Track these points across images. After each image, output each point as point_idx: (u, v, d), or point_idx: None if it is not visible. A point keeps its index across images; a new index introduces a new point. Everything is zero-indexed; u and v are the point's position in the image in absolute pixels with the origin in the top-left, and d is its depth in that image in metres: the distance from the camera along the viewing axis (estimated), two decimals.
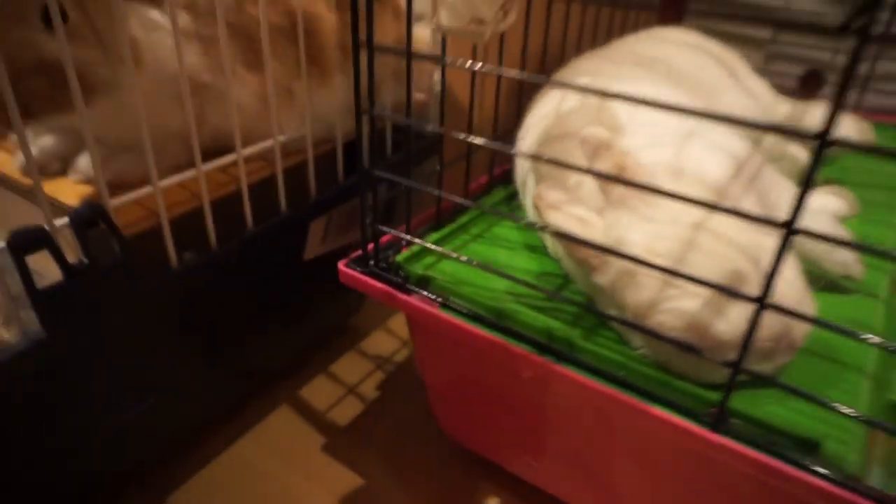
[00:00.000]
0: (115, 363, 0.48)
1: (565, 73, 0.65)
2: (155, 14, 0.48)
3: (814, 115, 0.73)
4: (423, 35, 0.73)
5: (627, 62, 0.63)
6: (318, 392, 0.77)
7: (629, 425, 0.46)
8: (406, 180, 0.49)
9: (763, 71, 1.03)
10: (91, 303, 0.43)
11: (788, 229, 0.31)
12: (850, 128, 0.74)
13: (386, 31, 0.67)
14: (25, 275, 0.39)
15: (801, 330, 0.40)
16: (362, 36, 0.42)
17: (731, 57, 0.72)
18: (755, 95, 0.72)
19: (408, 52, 0.46)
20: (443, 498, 0.64)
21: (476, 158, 0.62)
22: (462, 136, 0.46)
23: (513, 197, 0.67)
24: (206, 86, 0.51)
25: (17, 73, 0.40)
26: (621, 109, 0.52)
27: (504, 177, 0.69)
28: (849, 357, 0.45)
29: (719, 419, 0.39)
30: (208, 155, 0.52)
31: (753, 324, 0.35)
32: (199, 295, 0.56)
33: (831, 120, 0.28)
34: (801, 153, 0.65)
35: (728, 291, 0.36)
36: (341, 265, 0.53)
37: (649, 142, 0.47)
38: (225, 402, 0.71)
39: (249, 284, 0.63)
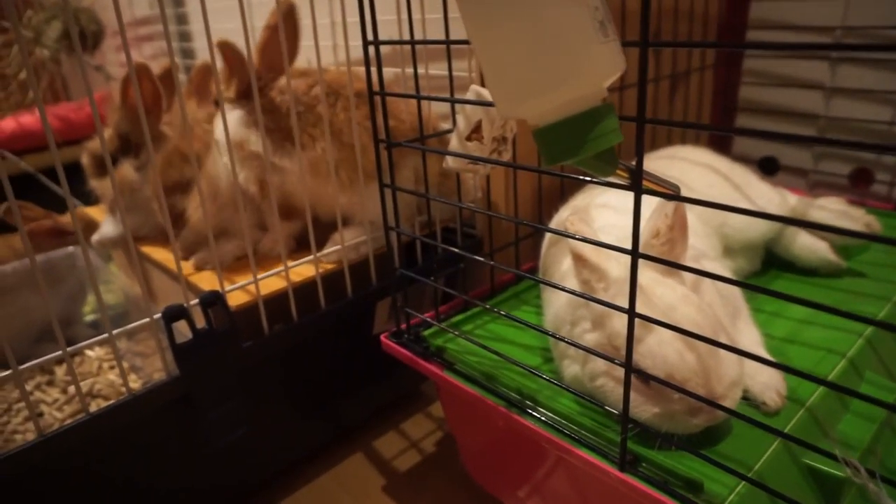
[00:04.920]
0: (224, 397, 0.70)
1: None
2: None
3: (820, 207, 0.81)
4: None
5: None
6: (388, 444, 0.94)
7: (569, 464, 0.59)
8: (425, 279, 0.68)
9: (813, 171, 1.10)
10: (209, 355, 0.65)
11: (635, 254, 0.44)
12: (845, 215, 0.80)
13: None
14: (170, 334, 0.62)
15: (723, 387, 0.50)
16: (386, 180, 0.63)
17: (738, 171, 0.83)
18: (763, 202, 0.81)
19: (426, 190, 0.65)
20: None
21: (503, 256, 0.80)
22: (482, 259, 0.64)
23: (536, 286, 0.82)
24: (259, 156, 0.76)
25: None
26: (597, 217, 0.67)
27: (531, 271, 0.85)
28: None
29: (624, 461, 0.51)
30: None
31: (627, 387, 0.48)
32: (285, 355, 0.77)
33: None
34: (814, 243, 0.77)
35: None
36: (383, 337, 0.72)
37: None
38: (311, 444, 0.90)
39: (326, 351, 0.84)
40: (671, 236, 0.55)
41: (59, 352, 0.60)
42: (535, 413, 0.58)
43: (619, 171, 0.42)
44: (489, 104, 0.60)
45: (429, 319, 0.71)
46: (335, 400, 0.89)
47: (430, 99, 0.63)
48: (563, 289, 0.54)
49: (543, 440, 0.56)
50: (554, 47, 0.36)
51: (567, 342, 0.55)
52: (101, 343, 0.65)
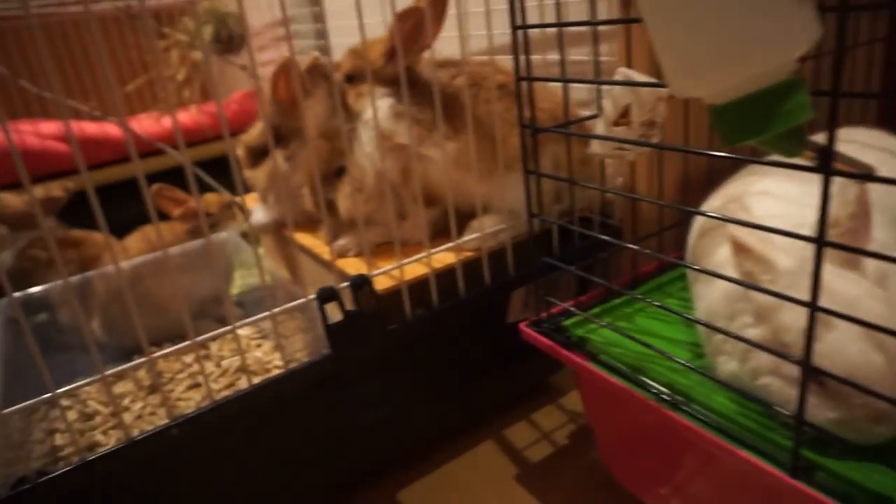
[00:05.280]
0: (367, 375, 0.73)
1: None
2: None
3: None
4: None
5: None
6: (518, 434, 0.94)
7: (725, 466, 0.55)
8: (568, 267, 0.67)
9: None
10: (357, 334, 0.69)
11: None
12: None
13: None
14: (323, 315, 0.66)
15: None
16: (529, 167, 0.62)
17: None
18: None
19: (570, 177, 0.64)
20: None
21: (647, 245, 0.76)
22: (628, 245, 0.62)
23: (682, 277, 0.78)
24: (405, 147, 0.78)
25: None
26: (756, 205, 0.62)
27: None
28: None
29: (797, 467, 0.47)
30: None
31: (804, 387, 0.44)
32: (425, 340, 0.79)
33: None
34: None
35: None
36: (522, 325, 0.72)
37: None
38: (444, 429, 0.92)
39: (462, 337, 0.85)
40: (852, 225, 0.50)
41: (226, 328, 0.65)
42: (689, 409, 0.55)
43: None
44: (645, 84, 0.58)
45: (571, 309, 0.70)
46: (468, 386, 0.90)
47: (576, 82, 0.61)
48: (733, 280, 0.50)
49: (700, 439, 0.53)
50: (741, 14, 0.34)
51: (735, 337, 0.51)
52: (253, 322, 0.70)
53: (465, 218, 0.84)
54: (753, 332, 0.52)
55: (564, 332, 0.69)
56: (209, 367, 1.09)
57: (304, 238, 0.95)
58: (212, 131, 1.69)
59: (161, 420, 0.96)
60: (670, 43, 0.36)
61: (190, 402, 1.00)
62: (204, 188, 1.29)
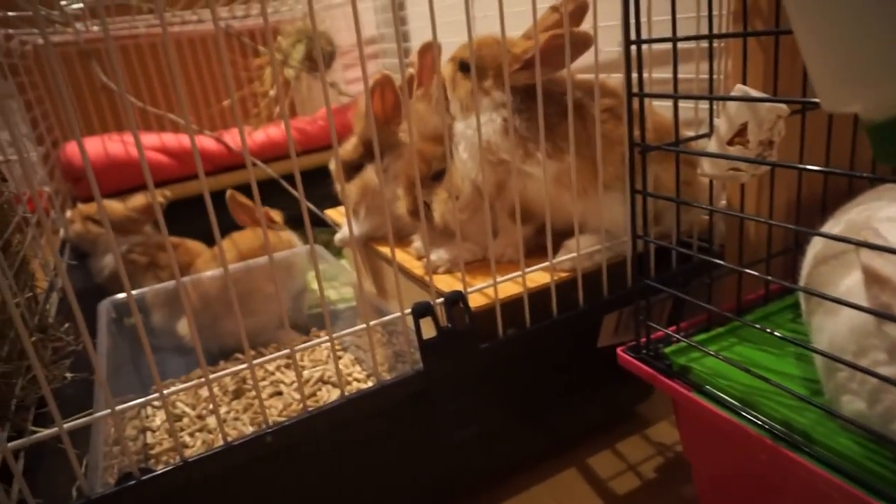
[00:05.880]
0: (457, 393, 0.72)
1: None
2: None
3: None
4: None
5: None
6: (602, 464, 0.90)
7: None
8: (672, 290, 0.64)
9: None
10: (450, 351, 0.68)
11: None
12: None
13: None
14: (418, 330, 0.65)
15: None
16: (637, 186, 0.60)
17: None
18: None
19: (677, 194, 0.61)
20: None
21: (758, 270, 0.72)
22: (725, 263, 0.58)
23: (790, 308, 0.73)
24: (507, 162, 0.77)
25: None
26: (889, 232, 0.57)
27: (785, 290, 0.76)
28: None
29: None
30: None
31: None
32: (516, 360, 0.78)
33: None
34: None
35: None
36: (620, 350, 0.69)
37: None
38: (529, 452, 0.90)
39: (551, 360, 0.82)
40: None
41: (321, 338, 0.66)
42: (810, 450, 0.51)
43: None
44: (765, 100, 0.55)
45: (673, 335, 0.67)
46: (555, 410, 0.88)
47: (691, 98, 0.59)
48: (877, 313, 0.46)
49: (825, 484, 0.49)
50: None
51: (875, 375, 0.47)
52: (347, 335, 0.71)
53: (558, 236, 0.83)
54: (887, 370, 0.48)
55: (665, 360, 0.66)
56: (290, 376, 1.11)
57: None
58: (299, 146, 1.74)
59: (244, 425, 0.98)
60: (827, 51, 0.34)
61: (272, 409, 1.02)
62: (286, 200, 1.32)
